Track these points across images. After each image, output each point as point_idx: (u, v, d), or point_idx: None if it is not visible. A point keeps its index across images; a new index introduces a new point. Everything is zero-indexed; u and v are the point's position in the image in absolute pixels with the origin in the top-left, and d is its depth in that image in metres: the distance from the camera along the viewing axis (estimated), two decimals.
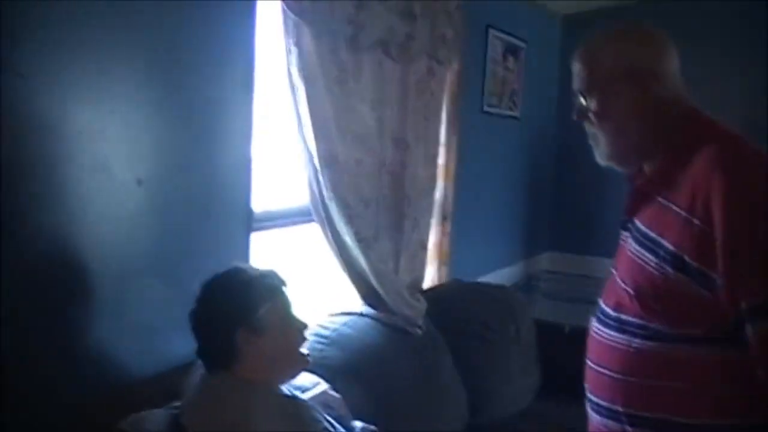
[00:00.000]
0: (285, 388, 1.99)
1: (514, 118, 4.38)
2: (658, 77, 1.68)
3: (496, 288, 3.52)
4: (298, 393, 2.09)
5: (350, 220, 2.57)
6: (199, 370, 1.93)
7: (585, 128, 1.78)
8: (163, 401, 1.98)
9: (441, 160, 3.55)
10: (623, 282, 1.72)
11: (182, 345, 2.00)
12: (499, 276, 4.32)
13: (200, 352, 1.87)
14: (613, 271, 1.79)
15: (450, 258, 3.74)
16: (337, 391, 2.28)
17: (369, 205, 2.92)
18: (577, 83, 1.76)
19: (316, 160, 2.50)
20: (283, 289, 1.91)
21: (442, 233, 3.71)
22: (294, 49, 2.42)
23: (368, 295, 2.73)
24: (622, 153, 1.75)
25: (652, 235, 1.64)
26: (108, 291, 2.02)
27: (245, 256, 2.52)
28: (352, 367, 2.53)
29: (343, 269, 2.70)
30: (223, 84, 2.34)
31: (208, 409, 1.80)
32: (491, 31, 3.98)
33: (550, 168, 5.03)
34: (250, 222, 2.52)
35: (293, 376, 1.98)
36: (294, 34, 2.40)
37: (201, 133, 2.29)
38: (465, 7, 3.43)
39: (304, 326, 1.95)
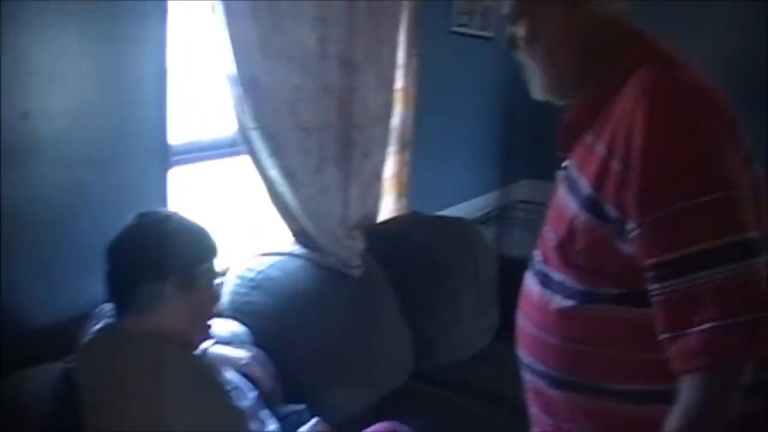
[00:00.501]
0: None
1: (489, 38, 4.08)
2: None
3: (455, 221, 3.27)
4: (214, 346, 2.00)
5: (276, 152, 2.33)
6: (101, 318, 1.78)
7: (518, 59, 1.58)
8: (62, 354, 1.78)
9: (399, 84, 3.28)
10: (549, 230, 1.53)
11: (87, 292, 1.92)
12: (468, 207, 4.10)
13: (115, 292, 1.71)
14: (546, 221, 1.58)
15: (409, 189, 3.50)
16: (261, 345, 2.13)
17: (311, 133, 2.68)
18: (504, 7, 1.55)
19: (237, 87, 2.25)
20: (217, 254, 1.80)
21: (401, 163, 3.47)
22: None
23: (299, 233, 2.51)
24: (556, 83, 1.54)
25: (576, 176, 1.44)
26: None
27: (161, 193, 2.32)
28: (278, 313, 2.35)
29: (273, 205, 2.47)
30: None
31: (112, 360, 1.62)
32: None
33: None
34: (166, 156, 2.30)
35: (196, 344, 1.84)
36: None
37: (102, 55, 2.07)
38: None
39: (219, 298, 1.89)
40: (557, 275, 1.47)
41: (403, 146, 3.45)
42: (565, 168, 1.53)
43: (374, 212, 3.20)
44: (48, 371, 1.73)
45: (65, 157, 2.02)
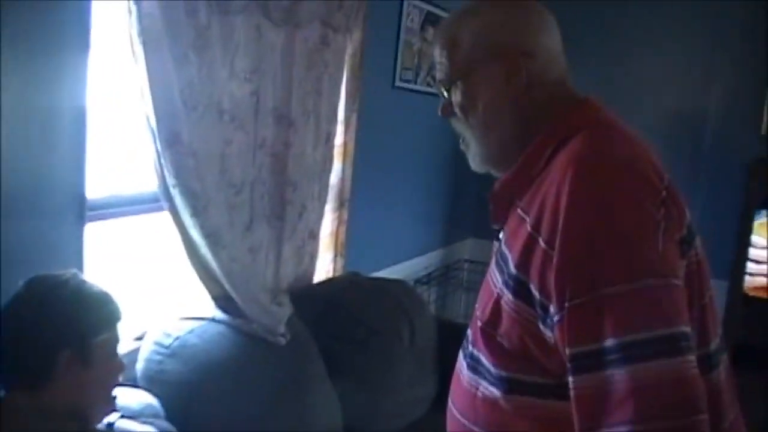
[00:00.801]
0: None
1: (434, 95, 4.00)
2: (531, 55, 1.36)
3: (392, 283, 3.14)
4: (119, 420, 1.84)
5: (197, 211, 2.19)
6: None
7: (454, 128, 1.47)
8: None
9: (338, 139, 3.18)
10: (478, 308, 1.41)
11: None
12: (410, 267, 3.99)
13: (3, 365, 1.55)
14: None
15: (347, 248, 3.38)
16: (174, 419, 1.98)
17: (241, 190, 2.56)
18: (436, 72, 1.45)
19: (157, 141, 2.12)
20: (120, 321, 1.65)
21: (339, 221, 3.35)
22: (134, 9, 2.03)
23: (220, 298, 2.36)
24: (495, 153, 1.43)
25: (504, 250, 1.33)
26: None
27: (77, 250, 2.16)
28: (193, 384, 2.20)
29: (192, 267, 2.32)
30: (49, 42, 1.97)
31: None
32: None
33: None
34: (82, 209, 2.15)
35: (98, 419, 1.70)
36: None
37: (12, 93, 1.91)
38: None
39: (123, 368, 1.71)
40: (484, 360, 1.34)
41: (341, 203, 3.34)
42: (498, 239, 1.42)
43: (309, 272, 3.07)
44: None
45: None
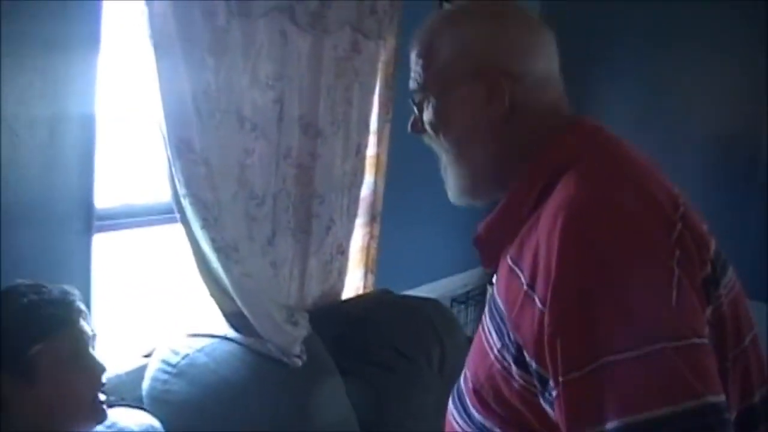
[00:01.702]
0: None
1: None
2: (517, 77, 1.18)
3: (424, 302, 2.97)
4: None
5: (206, 224, 2.07)
6: None
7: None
8: None
9: (371, 151, 3.05)
10: (469, 363, 1.25)
11: None
12: (446, 285, 3.82)
13: None
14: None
15: (378, 265, 3.24)
16: None
17: (263, 202, 2.45)
18: (411, 82, 1.27)
19: (168, 148, 2.01)
20: (74, 321, 1.50)
21: (370, 235, 3.21)
22: (145, 9, 1.93)
23: (232, 314, 2.23)
24: (469, 185, 1.26)
25: (500, 305, 1.14)
26: None
27: (85, 261, 2.07)
28: (199, 406, 2.07)
29: (203, 282, 2.20)
30: (57, 44, 1.88)
31: None
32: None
33: None
34: (90, 219, 2.06)
35: (84, 429, 1.56)
36: None
37: (21, 101, 1.85)
38: None
39: (101, 369, 1.54)
40: (478, 417, 1.18)
41: (372, 217, 3.20)
42: (491, 283, 1.25)
43: (337, 289, 2.95)
44: None
45: None
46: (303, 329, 2.36)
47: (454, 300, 3.90)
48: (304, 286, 2.74)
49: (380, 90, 3.02)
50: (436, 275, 3.80)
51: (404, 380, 2.57)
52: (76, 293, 1.54)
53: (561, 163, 1.11)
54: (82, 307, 1.53)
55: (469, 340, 2.96)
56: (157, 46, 1.95)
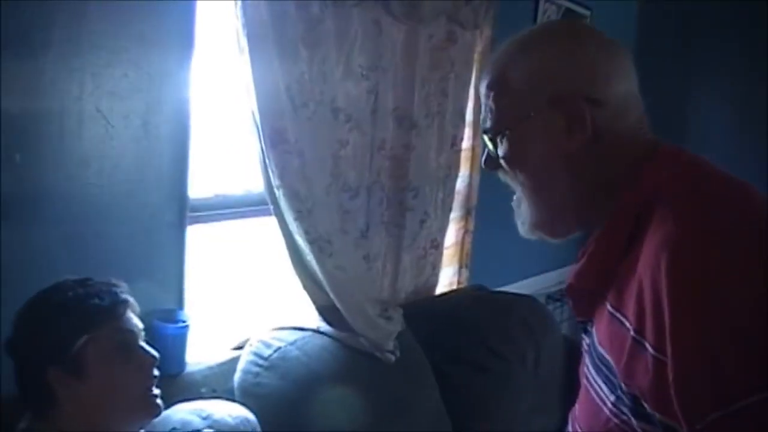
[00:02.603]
0: None
1: None
2: (599, 103, 1.08)
3: (519, 299, 2.88)
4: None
5: (300, 216, 2.05)
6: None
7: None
8: None
9: (466, 143, 2.98)
10: (579, 426, 1.17)
11: None
12: (541, 282, 3.73)
13: (19, 393, 1.42)
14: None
15: (473, 260, 3.17)
16: None
17: (356, 194, 2.41)
18: (483, 118, 1.19)
19: (261, 140, 1.99)
20: (119, 313, 1.45)
21: (464, 230, 3.15)
22: (239, 1, 1.92)
23: (325, 309, 2.20)
24: (548, 219, 1.17)
25: (606, 356, 1.06)
26: None
27: (179, 252, 2.07)
28: (291, 400, 2.04)
29: (296, 275, 2.18)
30: (154, 36, 1.88)
31: None
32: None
33: None
34: (184, 210, 2.06)
35: (137, 426, 1.52)
36: None
37: (117, 96, 1.85)
38: None
39: (152, 361, 1.48)
40: None
41: (467, 211, 3.13)
42: (588, 333, 1.16)
43: (431, 284, 2.90)
44: None
45: (71, 208, 1.82)
46: (397, 324, 2.31)
47: (549, 297, 3.80)
48: (398, 280, 2.70)
49: (476, 81, 2.94)
50: (531, 272, 3.70)
51: (497, 380, 2.50)
52: (122, 286, 1.48)
53: (649, 197, 1.02)
54: (130, 299, 1.48)
55: (566, 339, 2.89)
56: (251, 37, 1.93)
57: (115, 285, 1.46)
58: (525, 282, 3.57)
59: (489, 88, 1.15)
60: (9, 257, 1.72)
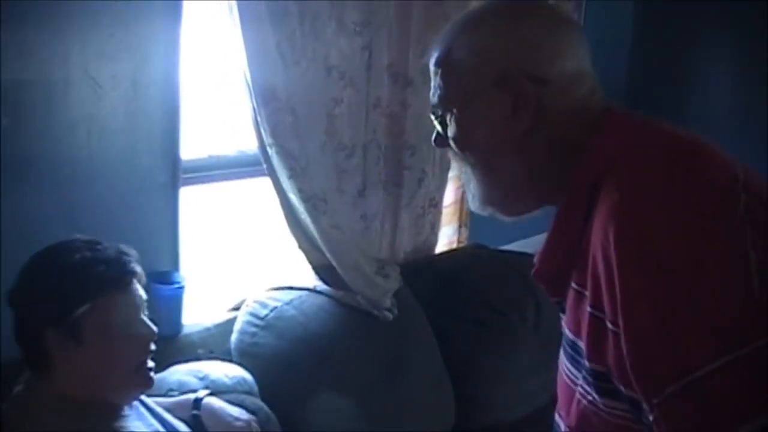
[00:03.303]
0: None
1: None
2: (544, 81, 1.05)
3: (519, 257, 2.84)
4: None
5: (294, 174, 2.03)
6: None
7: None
8: None
9: None
10: (560, 408, 1.14)
11: None
12: (539, 241, 3.59)
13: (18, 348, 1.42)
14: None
15: (471, 219, 3.15)
16: (267, 397, 1.89)
17: (352, 153, 2.38)
18: (432, 96, 1.15)
19: (252, 97, 1.96)
20: (126, 283, 1.43)
21: (463, 189, 3.11)
22: None
23: (321, 268, 2.19)
24: (498, 197, 1.14)
25: (571, 337, 1.05)
26: None
27: (172, 213, 2.07)
28: (288, 359, 2.05)
29: (291, 234, 2.16)
30: None
31: (17, 427, 1.37)
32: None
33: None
34: (176, 172, 2.04)
35: (130, 397, 1.51)
36: None
37: (108, 59, 1.84)
38: None
39: (151, 335, 1.46)
40: None
41: None
42: (563, 311, 1.13)
43: (430, 243, 2.87)
44: None
45: (62, 171, 1.82)
46: (394, 282, 2.30)
47: None
48: (396, 240, 2.67)
49: None
50: (531, 231, 3.66)
51: (500, 338, 2.49)
52: (132, 254, 1.46)
53: (598, 169, 0.99)
54: (138, 269, 1.46)
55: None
56: None
57: (124, 253, 1.44)
58: (525, 241, 3.52)
59: (436, 65, 1.13)
60: (2, 220, 1.71)
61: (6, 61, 1.66)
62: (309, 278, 2.25)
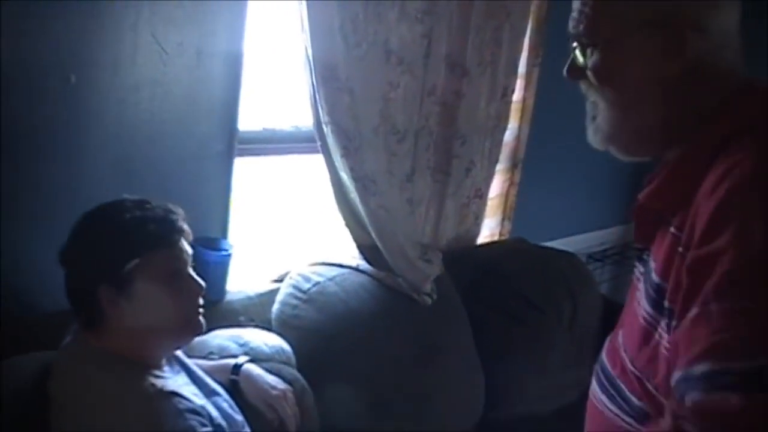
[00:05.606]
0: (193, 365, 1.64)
1: None
2: (704, 30, 1.06)
3: (560, 255, 2.87)
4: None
5: (347, 152, 2.07)
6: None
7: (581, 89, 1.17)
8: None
9: (517, 95, 2.95)
10: (625, 350, 1.16)
11: None
12: (583, 241, 3.70)
13: (70, 304, 1.48)
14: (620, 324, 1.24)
15: (516, 213, 3.16)
16: (304, 368, 1.92)
17: (404, 137, 2.41)
18: (573, 22, 1.13)
19: (312, 75, 2.00)
20: (174, 240, 1.47)
21: (510, 182, 3.14)
22: None
23: (366, 247, 2.23)
24: (626, 138, 1.15)
25: (659, 282, 1.07)
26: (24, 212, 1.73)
27: (225, 183, 2.11)
28: (327, 333, 2.08)
29: (339, 212, 2.20)
30: None
31: (65, 378, 1.45)
32: None
33: None
34: (233, 142, 2.09)
35: (179, 345, 1.58)
36: None
37: (173, 30, 1.88)
38: None
39: (199, 289, 1.51)
40: (637, 402, 1.12)
41: (513, 164, 3.12)
42: (644, 262, 1.16)
43: (472, 233, 2.89)
44: (25, 365, 1.57)
45: (122, 131, 1.87)
46: (436, 268, 2.33)
47: (590, 256, 3.78)
48: (440, 226, 2.70)
49: (531, 33, 2.91)
50: (574, 230, 3.68)
51: (534, 332, 2.51)
52: (179, 213, 1.50)
53: (735, 130, 1.01)
54: (185, 227, 1.50)
55: (604, 299, 2.87)
56: None
57: (172, 212, 1.49)
58: (567, 239, 3.54)
59: None
60: (59, 176, 1.77)
61: (78, 19, 1.71)
62: (353, 257, 2.28)
